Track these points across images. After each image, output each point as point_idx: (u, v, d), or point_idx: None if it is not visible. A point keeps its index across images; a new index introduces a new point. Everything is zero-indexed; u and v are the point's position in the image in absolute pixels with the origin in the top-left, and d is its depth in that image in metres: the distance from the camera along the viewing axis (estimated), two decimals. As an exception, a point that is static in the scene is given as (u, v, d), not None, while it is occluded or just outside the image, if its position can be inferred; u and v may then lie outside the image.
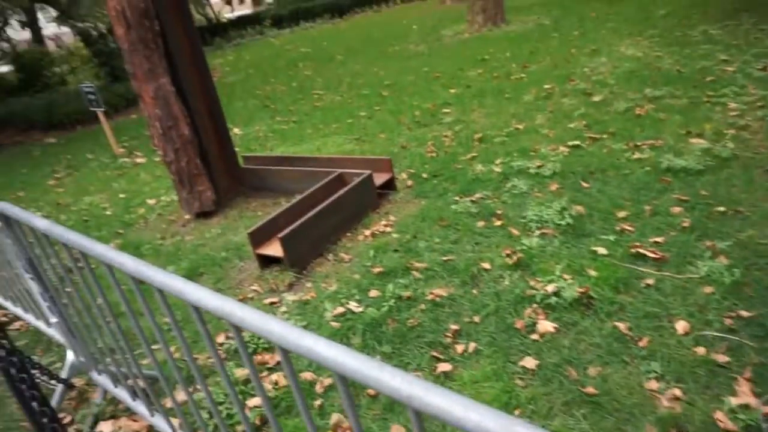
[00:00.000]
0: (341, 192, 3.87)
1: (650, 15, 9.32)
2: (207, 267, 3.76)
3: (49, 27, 27.39)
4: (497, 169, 4.39)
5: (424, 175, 4.57)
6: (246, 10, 31.16)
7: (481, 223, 3.62)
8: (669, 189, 3.57)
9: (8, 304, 3.18)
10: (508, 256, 3.15)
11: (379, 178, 4.27)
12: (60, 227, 1.64)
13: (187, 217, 4.66)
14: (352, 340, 2.75)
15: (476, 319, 2.71)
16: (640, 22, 8.89)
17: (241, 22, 24.00)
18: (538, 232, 3.35)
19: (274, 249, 3.47)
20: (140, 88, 4.22)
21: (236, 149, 5.06)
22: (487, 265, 3.12)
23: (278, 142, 6.52)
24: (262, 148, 6.38)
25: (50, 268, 2.19)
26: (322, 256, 3.61)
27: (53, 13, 18.72)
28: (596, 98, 5.63)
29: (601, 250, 3.01)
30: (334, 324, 2.86)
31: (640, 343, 2.34)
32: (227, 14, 24.72)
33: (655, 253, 2.89)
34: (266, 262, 3.58)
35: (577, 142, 4.58)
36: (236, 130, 7.33)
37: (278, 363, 2.70)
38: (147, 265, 1.24)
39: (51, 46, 23.00)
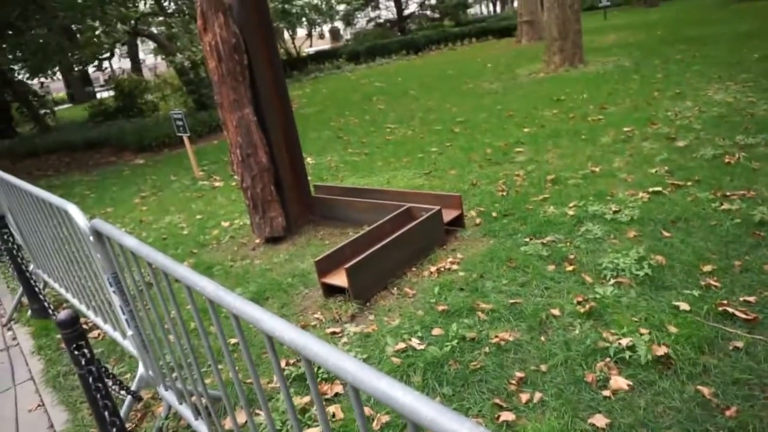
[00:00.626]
0: (409, 226, 3.87)
1: (743, 58, 8.87)
2: (273, 291, 3.84)
3: (147, 57, 29.76)
4: (570, 212, 4.24)
5: (494, 214, 4.49)
6: (325, 45, 32.56)
7: (551, 267, 3.49)
8: (762, 244, 3.30)
9: (90, 314, 3.37)
10: (579, 303, 3.00)
11: (448, 215, 4.24)
12: (147, 247, 1.72)
13: (257, 241, 4.81)
14: (412, 378, 2.69)
15: (543, 368, 2.59)
16: (731, 66, 8.48)
17: (320, 57, 25.04)
18: (613, 281, 3.18)
19: (340, 279, 3.50)
20: (225, 117, 4.45)
21: (308, 178, 5.20)
22: (556, 312, 2.99)
23: (349, 172, 6.66)
24: (334, 177, 6.53)
25: (132, 282, 2.31)
26: (387, 289, 3.59)
27: (152, 45, 20.35)
28: (680, 143, 5.37)
29: (684, 306, 2.81)
30: (394, 359, 2.82)
31: (727, 413, 2.14)
32: (307, 48, 25.88)
33: (746, 314, 2.66)
34: (331, 291, 3.61)
35: (658, 189, 4.37)
36: (309, 160, 7.56)
37: (336, 394, 2.68)
38: (225, 290, 1.28)
39: (147, 74, 24.94)
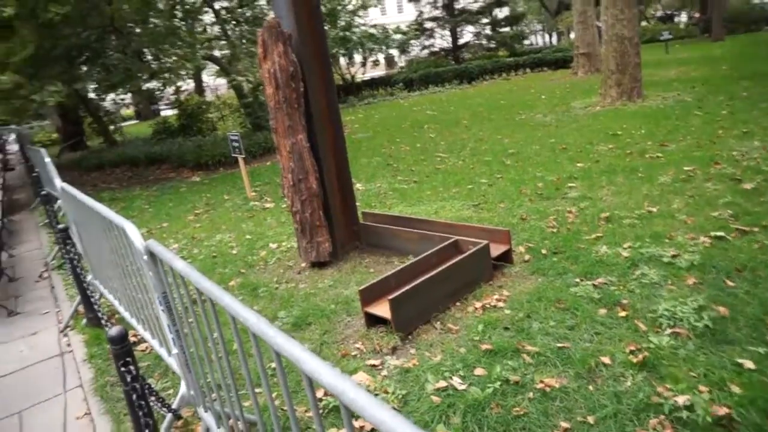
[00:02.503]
0: (456, 259, 3.81)
1: (816, 99, 8.42)
2: (315, 317, 3.84)
3: (210, 79, 31.11)
4: (625, 254, 4.08)
5: (543, 251, 4.37)
6: (379, 72, 33.14)
7: (602, 311, 3.34)
8: (839, 301, 3.06)
9: (139, 327, 3.47)
10: (632, 353, 2.85)
11: (496, 249, 4.15)
12: (196, 272, 1.76)
13: (303, 265, 4.85)
14: (451, 419, 2.61)
15: (590, 419, 2.45)
16: (803, 106, 8.05)
17: (374, 83, 25.49)
18: (669, 331, 3.01)
19: (383, 309, 3.47)
20: (279, 142, 4.56)
21: (357, 204, 5.24)
22: (606, 360, 2.85)
23: (397, 200, 6.67)
24: (382, 205, 6.55)
25: (179, 300, 2.36)
26: (430, 323, 3.53)
27: (215, 67, 21.28)
28: (747, 186, 5.10)
29: (748, 364, 2.62)
30: (434, 398, 2.75)
31: (797, 488, 1.96)
32: (361, 75, 26.42)
33: (820, 378, 2.46)
34: (373, 321, 3.58)
35: (721, 233, 4.14)
36: (359, 185, 7.63)
37: (373, 430, 2.63)
38: (268, 324, 1.28)
39: (209, 95, 26.06)
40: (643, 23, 41.15)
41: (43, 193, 6.70)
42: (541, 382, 2.74)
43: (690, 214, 4.67)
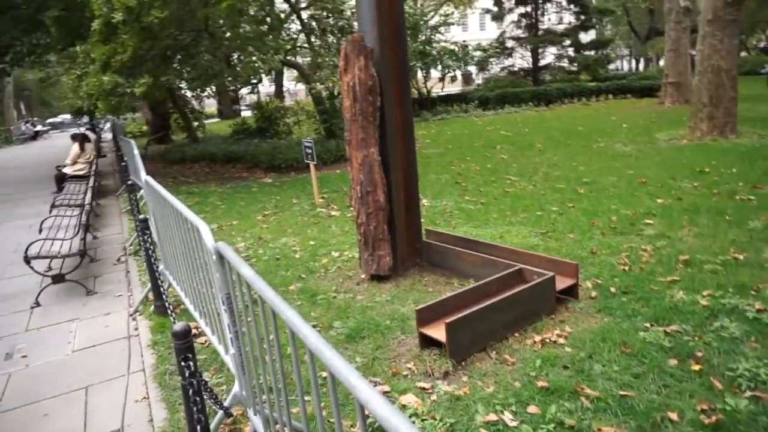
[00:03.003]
0: (518, 289, 3.70)
1: None
2: (370, 331, 3.83)
3: (290, 84, 32.25)
4: (703, 302, 3.80)
5: (612, 289, 4.16)
6: (456, 88, 33.07)
7: (673, 362, 3.12)
8: None
9: (201, 321, 3.59)
10: (704, 412, 2.64)
11: (562, 282, 3.99)
12: (261, 281, 1.79)
13: (363, 276, 4.88)
14: (499, 456, 2.52)
15: (652, 479, 2.29)
16: None
17: (449, 99, 25.44)
18: (749, 393, 2.77)
19: (438, 332, 3.41)
20: (351, 154, 4.63)
21: (421, 221, 5.21)
22: (674, 416, 2.65)
23: (462, 220, 6.58)
24: (446, 223, 6.48)
25: (240, 299, 2.41)
26: (485, 351, 3.44)
27: (296, 73, 22.03)
28: None
29: (841, 443, 2.36)
30: (482, 431, 2.66)
31: None
32: (438, 90, 26.47)
33: None
34: (427, 342, 3.52)
35: (817, 292, 3.78)
36: (425, 202, 7.60)
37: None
38: (327, 345, 1.27)
39: (288, 100, 26.99)
40: (743, 53, 38.76)
41: (129, 182, 7.14)
42: (599, 430, 2.59)
43: (782, 267, 4.30)
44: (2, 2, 12.33)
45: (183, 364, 2.21)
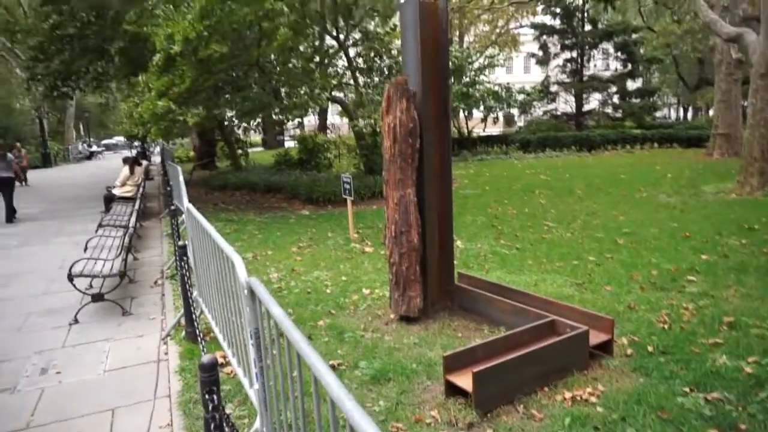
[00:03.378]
0: (550, 341, 3.61)
1: None
2: (396, 374, 3.78)
3: (335, 118, 33.05)
4: (749, 369, 3.60)
5: (650, 348, 3.99)
6: (497, 129, 33.15)
7: (713, 432, 2.95)
8: None
9: (229, 352, 3.63)
10: (745, 491, 2.47)
11: (596, 337, 3.86)
12: (289, 322, 1.81)
13: (392, 316, 4.84)
14: None
15: None
16: None
17: (490, 140, 25.51)
18: (796, 475, 2.58)
19: (465, 381, 3.33)
20: (388, 193, 4.67)
21: (454, 263, 5.17)
22: (713, 493, 2.49)
23: (496, 264, 6.49)
24: (480, 267, 6.41)
25: (268, 333, 2.43)
26: (512, 404, 3.33)
27: (340, 108, 22.60)
28: None
29: None
30: (506, 491, 2.56)
31: None
32: (478, 130, 26.59)
33: None
34: (453, 390, 3.45)
35: None
36: (459, 243, 7.55)
37: None
38: (348, 396, 1.27)
39: (331, 134, 27.58)
40: (797, 108, 37.51)
41: (172, 207, 7.38)
42: (630, 501, 2.45)
43: (836, 337, 4.05)
44: (73, 33, 13.20)
45: (207, 396, 2.23)
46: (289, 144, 28.57)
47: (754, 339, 4.09)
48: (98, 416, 3.58)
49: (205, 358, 2.23)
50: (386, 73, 15.53)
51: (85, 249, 6.59)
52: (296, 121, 19.85)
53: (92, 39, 13.62)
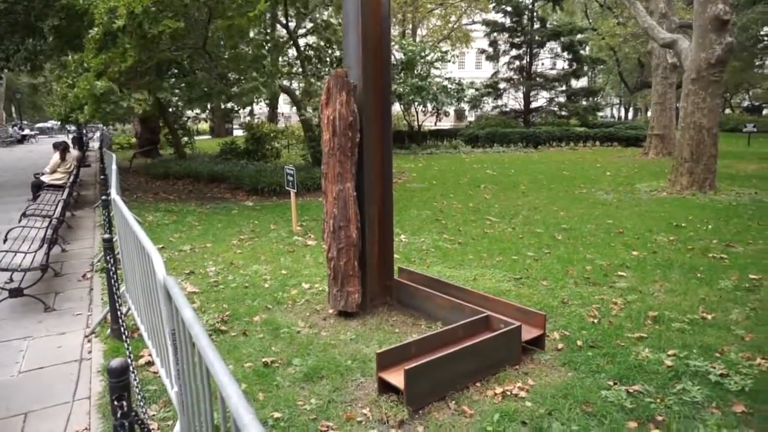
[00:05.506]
0: (483, 337, 3.64)
1: None
2: (330, 371, 3.72)
3: (284, 108, 32.48)
4: (668, 362, 3.76)
5: (579, 342, 4.11)
6: (447, 123, 33.47)
7: (632, 425, 3.06)
8: None
9: (153, 351, 3.47)
10: (659, 482, 2.57)
11: (528, 332, 3.94)
12: (198, 326, 1.71)
13: (330, 311, 4.78)
14: None
15: None
16: None
17: (440, 134, 25.71)
18: (705, 465, 2.70)
19: (397, 378, 3.31)
20: (326, 187, 4.59)
21: (396, 256, 5.14)
22: (629, 484, 2.57)
23: (438, 259, 6.53)
24: (422, 261, 6.43)
25: (185, 338, 2.32)
26: (444, 400, 3.35)
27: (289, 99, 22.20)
28: (818, 309, 4.65)
29: None
30: (431, 489, 2.55)
31: None
32: (429, 125, 26.76)
33: None
34: (386, 387, 3.42)
35: (783, 359, 3.76)
36: (403, 237, 7.55)
37: None
38: (248, 409, 1.19)
39: (282, 123, 27.09)
40: (727, 111, 39.86)
41: (104, 197, 7.01)
42: (551, 495, 2.50)
43: (750, 330, 4.29)
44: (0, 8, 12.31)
45: (116, 403, 2.10)
46: (239, 133, 27.84)
47: (675, 333, 4.28)
48: (7, 422, 3.34)
49: (114, 362, 2.09)
50: (337, 65, 15.34)
51: (5, 240, 6.18)
52: (247, 109, 19.28)
53: (21, 15, 12.74)
